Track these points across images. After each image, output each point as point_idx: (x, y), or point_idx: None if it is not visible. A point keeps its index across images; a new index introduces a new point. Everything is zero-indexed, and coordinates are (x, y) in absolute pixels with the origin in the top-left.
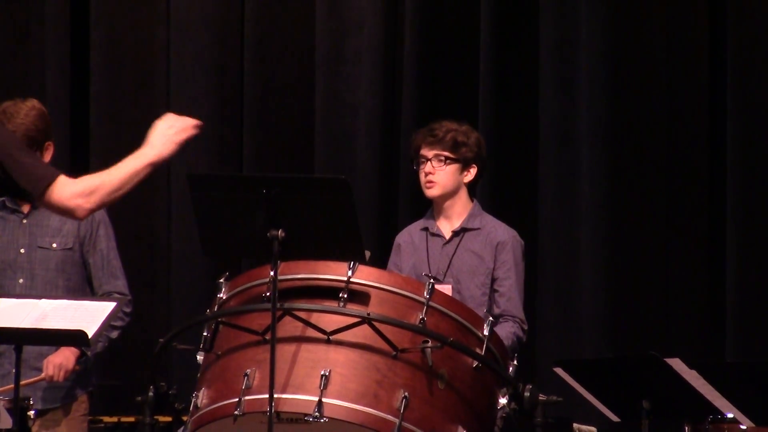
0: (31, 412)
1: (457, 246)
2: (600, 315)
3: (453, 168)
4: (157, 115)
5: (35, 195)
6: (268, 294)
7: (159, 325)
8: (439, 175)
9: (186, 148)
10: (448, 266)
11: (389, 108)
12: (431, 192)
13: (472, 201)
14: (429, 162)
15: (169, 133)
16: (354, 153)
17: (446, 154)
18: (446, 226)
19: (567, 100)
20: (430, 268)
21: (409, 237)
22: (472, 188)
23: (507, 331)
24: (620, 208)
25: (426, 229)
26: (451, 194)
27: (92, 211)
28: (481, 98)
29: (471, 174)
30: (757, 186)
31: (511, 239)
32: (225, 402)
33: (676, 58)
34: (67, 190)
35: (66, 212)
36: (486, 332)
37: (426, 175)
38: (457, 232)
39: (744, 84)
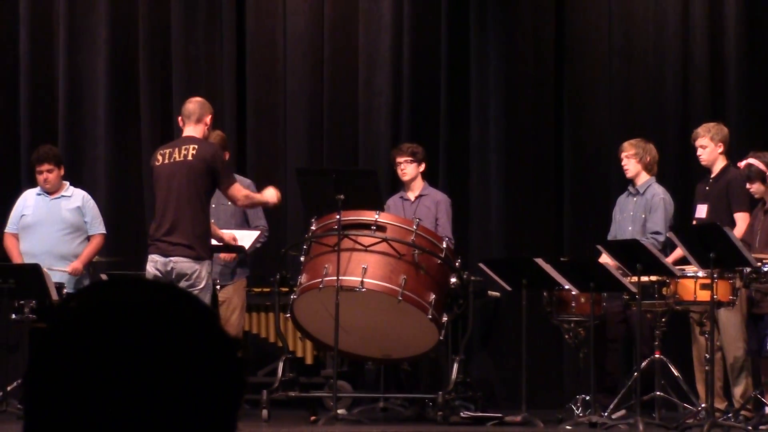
0: (218, 287)
1: (418, 204)
2: (503, 227)
3: (414, 165)
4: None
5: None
6: (336, 227)
7: (282, 242)
8: (408, 169)
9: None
10: (414, 214)
11: (395, 132)
12: (404, 178)
13: (423, 180)
14: (402, 163)
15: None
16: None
17: (409, 158)
18: (411, 195)
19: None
20: (405, 216)
21: (393, 202)
22: (423, 173)
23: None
24: (515, 170)
25: (401, 197)
26: (414, 178)
27: (245, 206)
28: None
29: (422, 166)
30: (584, 159)
31: (444, 198)
32: (315, 281)
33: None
34: (235, 192)
35: (233, 202)
36: (444, 245)
37: (402, 170)
38: (417, 197)
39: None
